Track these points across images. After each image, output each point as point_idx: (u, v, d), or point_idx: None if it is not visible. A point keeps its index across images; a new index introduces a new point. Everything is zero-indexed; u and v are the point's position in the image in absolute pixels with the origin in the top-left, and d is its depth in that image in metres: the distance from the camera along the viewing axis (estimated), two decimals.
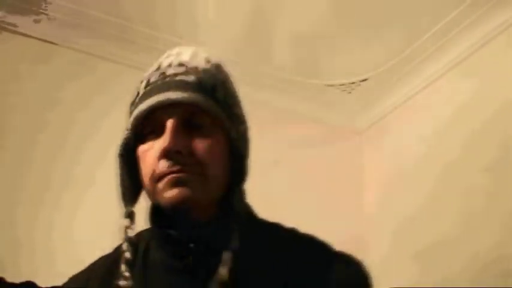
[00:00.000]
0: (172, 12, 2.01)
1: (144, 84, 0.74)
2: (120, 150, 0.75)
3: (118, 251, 0.77)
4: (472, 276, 1.75)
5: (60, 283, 0.87)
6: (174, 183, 0.67)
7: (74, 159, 1.84)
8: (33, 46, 1.93)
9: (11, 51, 1.89)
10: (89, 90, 1.98)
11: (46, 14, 1.94)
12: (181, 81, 0.70)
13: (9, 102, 1.82)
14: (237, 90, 0.81)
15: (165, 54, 0.77)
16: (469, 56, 2.03)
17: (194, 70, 0.72)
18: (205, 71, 0.74)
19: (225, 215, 0.73)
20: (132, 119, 0.71)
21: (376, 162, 2.42)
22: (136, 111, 0.71)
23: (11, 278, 1.08)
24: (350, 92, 2.44)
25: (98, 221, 1.65)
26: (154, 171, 0.69)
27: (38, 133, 1.82)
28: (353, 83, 2.37)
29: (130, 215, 0.75)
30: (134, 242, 0.75)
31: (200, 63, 0.74)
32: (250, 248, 0.71)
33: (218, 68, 0.77)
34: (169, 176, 0.68)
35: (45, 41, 1.95)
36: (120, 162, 0.76)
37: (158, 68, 0.75)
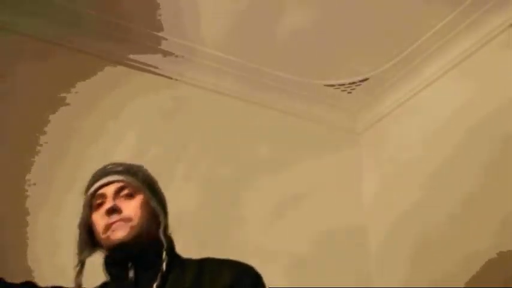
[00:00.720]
0: (174, 13, 2.01)
1: (92, 178, 1.15)
2: (81, 222, 1.13)
3: None
4: (467, 275, 1.77)
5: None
6: (116, 228, 1.05)
7: (77, 160, 1.83)
8: (34, 45, 1.93)
9: (10, 50, 1.89)
10: (92, 91, 1.98)
11: (46, 14, 1.95)
12: (114, 170, 1.13)
13: (9, 101, 1.81)
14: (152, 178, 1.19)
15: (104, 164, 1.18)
16: (468, 56, 2.03)
17: (122, 164, 1.16)
18: (130, 165, 1.17)
19: (155, 244, 1.08)
20: (86, 198, 1.13)
21: (375, 162, 2.42)
22: (88, 192, 1.12)
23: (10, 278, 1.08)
24: (350, 92, 2.44)
25: None
26: (104, 225, 1.07)
27: (40, 134, 1.82)
28: (353, 83, 2.37)
29: (82, 263, 1.09)
30: None
31: (126, 163, 1.17)
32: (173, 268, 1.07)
33: (140, 166, 1.18)
34: (113, 225, 1.05)
35: (46, 40, 1.95)
36: (80, 230, 1.13)
37: (102, 168, 1.16)
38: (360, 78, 2.34)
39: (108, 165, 1.17)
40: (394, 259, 2.14)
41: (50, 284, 1.11)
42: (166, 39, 2.11)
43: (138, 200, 1.11)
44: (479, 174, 1.86)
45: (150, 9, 1.99)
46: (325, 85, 2.39)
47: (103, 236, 1.07)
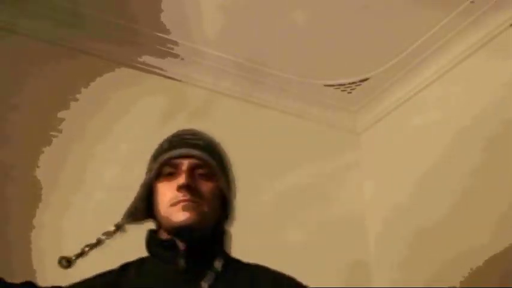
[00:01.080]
0: (176, 14, 2.02)
1: (166, 143, 1.06)
2: (145, 183, 1.03)
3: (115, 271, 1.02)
4: (462, 270, 1.79)
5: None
6: (185, 208, 0.96)
7: (83, 161, 1.84)
8: (38, 47, 1.94)
9: (16, 52, 1.89)
10: (97, 93, 1.98)
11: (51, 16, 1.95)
12: (195, 143, 1.04)
13: (14, 103, 1.82)
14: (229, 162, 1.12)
15: (179, 130, 1.11)
16: (468, 56, 2.03)
17: (202, 138, 1.08)
18: (210, 141, 1.09)
19: (216, 237, 1.03)
20: (158, 163, 1.02)
21: (375, 162, 2.42)
22: (160, 159, 1.02)
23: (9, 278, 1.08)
24: (350, 92, 2.44)
25: (88, 221, 1.66)
26: (171, 199, 0.97)
27: (46, 133, 1.82)
28: (353, 83, 2.38)
29: (120, 228, 1.02)
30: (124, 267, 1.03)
31: (205, 135, 1.10)
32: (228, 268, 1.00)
33: (218, 143, 1.11)
34: (182, 203, 0.96)
35: (50, 42, 1.95)
36: (142, 191, 1.03)
37: (177, 135, 1.08)
38: (360, 78, 2.34)
39: (186, 133, 1.08)
40: (393, 258, 2.15)
41: (53, 285, 1.11)
42: (168, 40, 2.12)
43: (212, 184, 1.02)
44: (478, 173, 1.87)
45: (153, 11, 1.99)
46: (325, 85, 2.40)
47: (165, 210, 0.98)
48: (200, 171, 1.01)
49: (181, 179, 0.97)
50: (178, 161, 1.01)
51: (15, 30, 1.90)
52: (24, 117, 1.81)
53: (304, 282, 1.70)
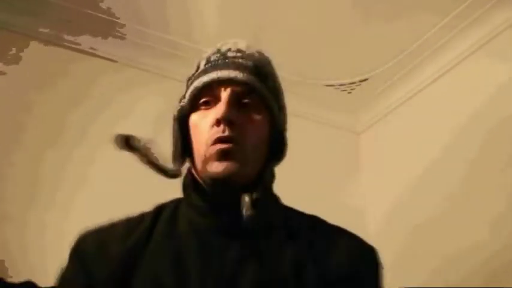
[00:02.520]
0: (176, 14, 2.02)
1: (204, 62, 0.84)
2: (177, 114, 0.85)
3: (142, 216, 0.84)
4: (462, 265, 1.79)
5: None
6: (221, 156, 0.76)
7: (66, 158, 1.84)
8: (36, 46, 1.94)
9: (10, 50, 1.90)
10: (79, 89, 1.98)
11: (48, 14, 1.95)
12: (240, 63, 0.81)
13: (11, 101, 1.82)
14: (281, 86, 0.90)
15: (222, 42, 0.89)
16: (468, 56, 2.03)
17: (251, 57, 0.84)
18: (260, 60, 0.85)
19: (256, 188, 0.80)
20: (192, 88, 0.81)
21: (375, 162, 2.42)
22: (196, 83, 0.81)
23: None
24: (350, 92, 2.44)
25: (90, 221, 1.66)
26: (208, 136, 0.77)
27: (48, 134, 1.83)
28: (353, 83, 2.38)
29: (176, 175, 0.83)
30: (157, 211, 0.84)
31: (255, 53, 0.86)
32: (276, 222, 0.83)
33: (269, 61, 0.90)
34: (218, 147, 0.76)
35: (49, 41, 1.95)
36: (175, 125, 0.85)
37: (218, 51, 0.85)
38: (360, 78, 2.35)
39: (228, 47, 0.85)
40: (393, 258, 2.15)
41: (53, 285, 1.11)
42: (168, 40, 2.12)
43: (261, 117, 0.81)
44: (479, 173, 1.87)
45: (153, 11, 2.00)
46: (325, 85, 2.40)
47: (201, 150, 0.79)
48: (247, 100, 0.80)
49: (220, 110, 0.77)
50: (218, 86, 0.79)
51: (12, 29, 1.90)
52: (25, 118, 1.81)
53: None
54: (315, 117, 2.46)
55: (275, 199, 0.90)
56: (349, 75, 2.34)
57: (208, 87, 0.80)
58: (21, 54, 1.88)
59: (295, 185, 2.28)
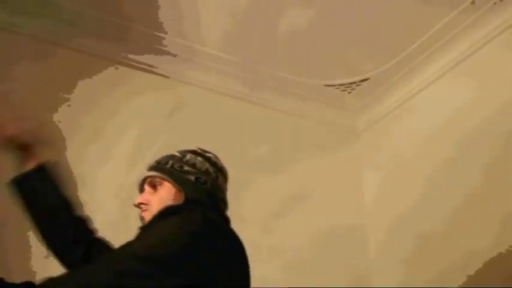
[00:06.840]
0: (175, 13, 2.02)
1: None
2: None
3: None
4: (465, 273, 1.79)
5: None
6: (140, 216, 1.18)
7: (76, 159, 1.84)
8: (34, 46, 1.94)
9: (9, 50, 1.89)
10: (92, 90, 1.99)
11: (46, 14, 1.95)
12: (150, 166, 1.23)
13: (10, 100, 1.81)
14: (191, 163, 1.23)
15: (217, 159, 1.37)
16: (468, 56, 2.03)
17: (159, 159, 1.24)
18: (164, 157, 1.24)
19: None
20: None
21: (375, 162, 2.42)
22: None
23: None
24: (350, 92, 2.44)
25: (100, 221, 1.65)
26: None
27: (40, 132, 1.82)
28: (353, 83, 2.38)
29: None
30: None
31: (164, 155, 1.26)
32: None
33: (167, 156, 1.25)
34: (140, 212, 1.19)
35: (45, 40, 1.95)
36: None
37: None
38: (360, 78, 2.35)
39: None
40: (393, 258, 2.15)
41: None
42: (167, 40, 2.12)
43: (164, 189, 1.20)
44: (479, 174, 1.87)
45: (151, 10, 1.99)
46: (325, 85, 2.40)
47: None
48: (155, 182, 1.20)
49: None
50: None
51: (6, 27, 1.90)
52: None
53: (306, 286, 1.70)
54: (315, 117, 2.46)
55: None
56: (349, 75, 2.34)
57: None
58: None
59: (295, 185, 2.29)
